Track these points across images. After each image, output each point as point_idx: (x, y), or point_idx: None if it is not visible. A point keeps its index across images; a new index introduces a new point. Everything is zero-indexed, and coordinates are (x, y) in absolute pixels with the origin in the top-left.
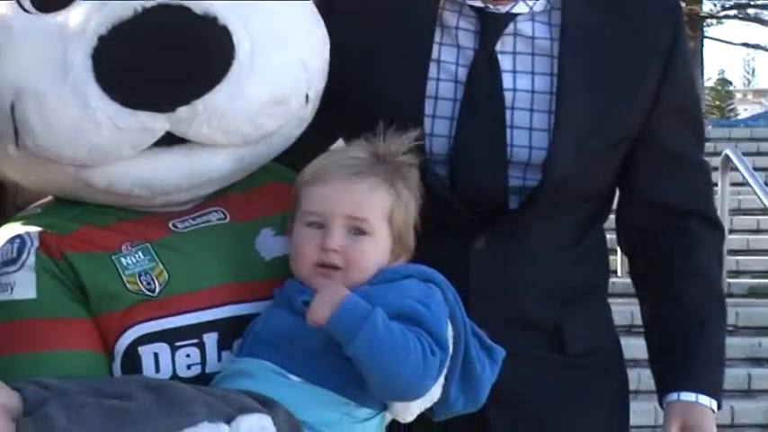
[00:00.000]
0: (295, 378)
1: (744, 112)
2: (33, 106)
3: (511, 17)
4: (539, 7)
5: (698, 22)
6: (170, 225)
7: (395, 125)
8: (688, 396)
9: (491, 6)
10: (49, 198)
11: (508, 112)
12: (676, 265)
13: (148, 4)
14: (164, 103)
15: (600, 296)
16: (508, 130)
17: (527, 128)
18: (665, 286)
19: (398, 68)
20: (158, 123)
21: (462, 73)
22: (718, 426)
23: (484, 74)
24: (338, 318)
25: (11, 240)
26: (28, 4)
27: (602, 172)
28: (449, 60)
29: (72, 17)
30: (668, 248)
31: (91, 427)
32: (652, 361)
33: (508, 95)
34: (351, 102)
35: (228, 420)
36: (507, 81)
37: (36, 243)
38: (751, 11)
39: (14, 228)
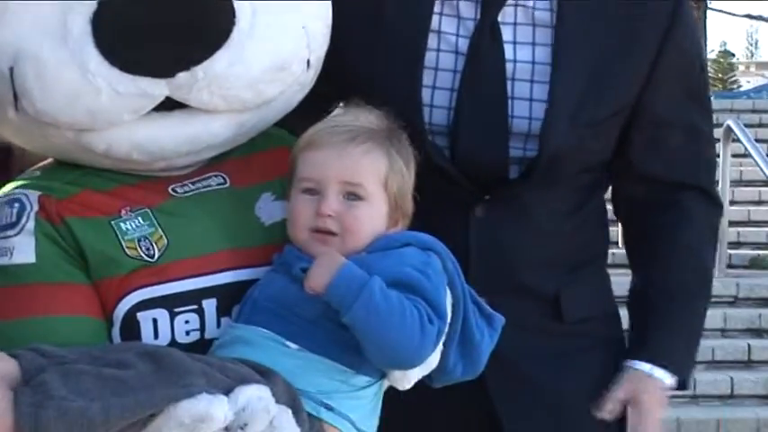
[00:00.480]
0: (293, 345)
1: (746, 84)
2: (32, 71)
3: None
4: None
5: None
6: (170, 190)
7: (392, 95)
8: (642, 366)
9: None
10: (50, 160)
11: (509, 84)
12: (663, 238)
13: None
14: (163, 69)
15: (599, 265)
16: (509, 102)
17: (527, 99)
18: (649, 259)
19: (397, 39)
20: (158, 89)
21: (463, 44)
22: (719, 396)
23: (485, 45)
24: (335, 285)
25: (10, 204)
26: None
27: (602, 142)
28: (449, 31)
29: None
30: (658, 221)
31: (88, 396)
32: (630, 330)
33: (509, 66)
34: (350, 72)
35: (227, 391)
36: (508, 52)
37: (35, 207)
38: None
39: (14, 191)
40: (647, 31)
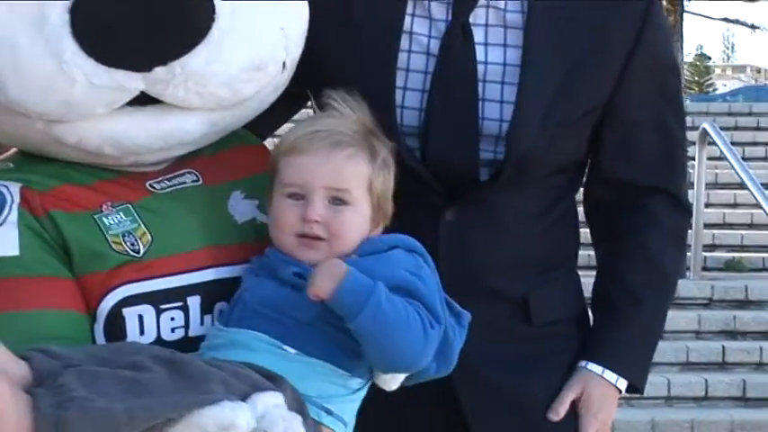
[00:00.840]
0: (291, 350)
1: (722, 87)
2: (7, 59)
3: None
4: None
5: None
6: (147, 185)
7: (365, 96)
8: (595, 368)
9: None
10: (13, 151)
11: (480, 85)
12: (627, 241)
13: None
14: (140, 63)
15: (569, 267)
16: (479, 103)
17: (498, 101)
18: (612, 260)
19: (369, 40)
20: (133, 83)
21: (434, 45)
22: (693, 398)
23: (456, 46)
24: (342, 293)
25: None
26: None
27: (573, 143)
28: (421, 32)
29: None
30: (623, 223)
31: (109, 397)
32: (594, 324)
33: (480, 68)
34: (321, 73)
35: (243, 398)
36: (479, 54)
37: (17, 199)
38: None
39: None
40: (618, 32)
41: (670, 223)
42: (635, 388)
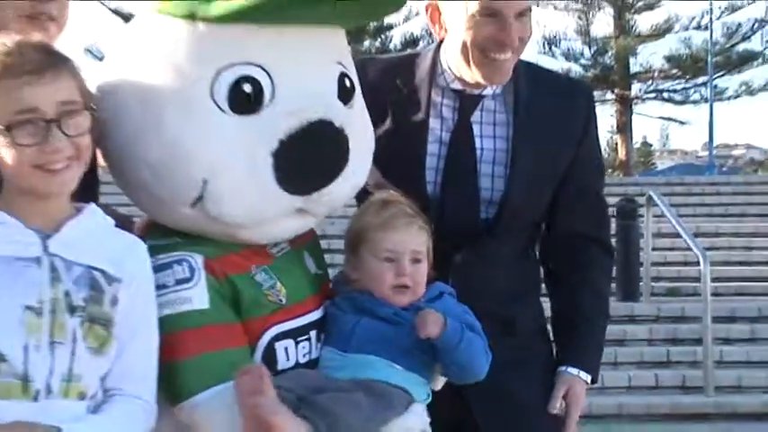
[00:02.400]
0: (398, 367)
1: (661, 165)
2: (227, 185)
3: (480, 97)
4: (498, 90)
5: (627, 102)
6: (268, 251)
7: (399, 176)
8: (573, 370)
9: (467, 90)
10: (149, 223)
11: (478, 165)
12: (575, 277)
13: (313, 118)
14: (308, 191)
15: (537, 293)
16: (478, 178)
17: (490, 175)
18: (565, 291)
19: (403, 137)
20: (299, 203)
21: (445, 136)
22: (647, 387)
23: (461, 138)
24: (446, 334)
25: (179, 263)
26: (225, 107)
27: (541, 205)
28: (436, 127)
29: (260, 123)
30: (570, 264)
31: (355, 413)
32: (555, 342)
33: (478, 153)
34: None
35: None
36: (477, 143)
37: (201, 266)
38: (665, 94)
39: (176, 253)
40: (572, 124)
41: (604, 263)
42: (593, 380)
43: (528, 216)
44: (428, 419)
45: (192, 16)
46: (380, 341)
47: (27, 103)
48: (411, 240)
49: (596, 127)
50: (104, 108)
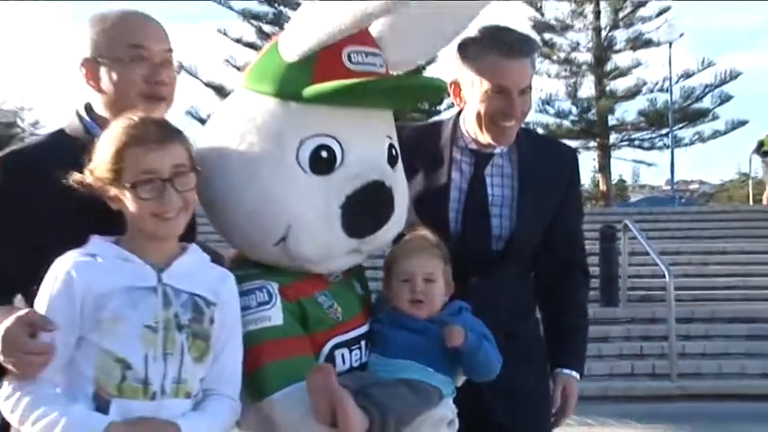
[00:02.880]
0: (430, 369)
1: (634, 197)
2: (305, 229)
3: (491, 156)
4: (504, 150)
5: (607, 148)
6: (326, 279)
7: (427, 216)
8: (567, 371)
9: (481, 149)
10: (237, 256)
11: (489, 209)
12: (562, 295)
13: (371, 179)
14: (364, 234)
15: (534, 307)
16: (490, 219)
17: (499, 216)
18: (555, 306)
19: (429, 184)
20: (355, 244)
21: (464, 186)
22: (625, 375)
23: (476, 187)
24: (469, 344)
25: (260, 289)
26: (307, 169)
27: (539, 239)
28: (456, 178)
29: (332, 182)
30: (558, 285)
31: (401, 404)
32: (548, 348)
33: (489, 199)
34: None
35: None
36: (489, 190)
37: (277, 291)
38: (636, 142)
39: (257, 281)
40: (562, 176)
41: (584, 283)
42: (581, 375)
43: (529, 248)
44: (456, 409)
45: (284, 95)
46: (415, 349)
47: (149, 166)
48: (422, 264)
49: (579, 180)
50: (208, 166)
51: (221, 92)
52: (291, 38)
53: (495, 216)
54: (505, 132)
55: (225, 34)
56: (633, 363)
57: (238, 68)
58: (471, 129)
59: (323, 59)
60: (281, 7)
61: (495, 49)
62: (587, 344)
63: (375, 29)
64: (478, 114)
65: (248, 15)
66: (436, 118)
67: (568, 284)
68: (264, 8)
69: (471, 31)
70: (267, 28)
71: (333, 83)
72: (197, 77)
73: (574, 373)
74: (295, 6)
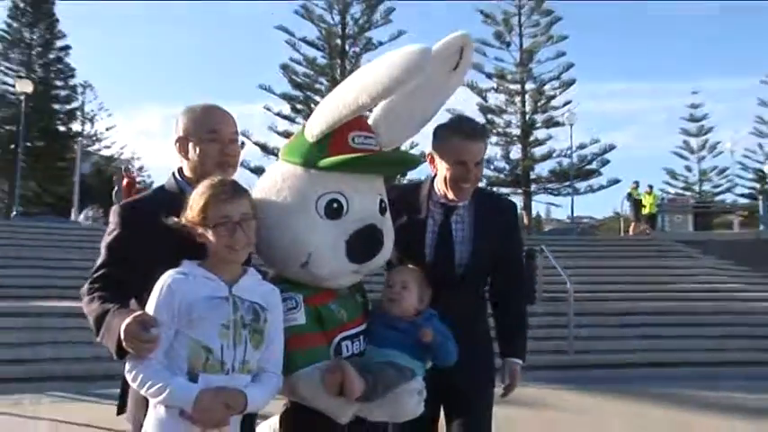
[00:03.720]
0: (407, 356)
1: (547, 228)
2: (321, 257)
3: (456, 207)
4: (466, 203)
5: (529, 194)
6: (336, 291)
7: (408, 252)
8: (514, 360)
9: (448, 203)
10: (273, 275)
11: (454, 245)
12: (509, 306)
13: (368, 223)
14: (361, 262)
15: (486, 314)
16: (454, 252)
17: (460, 250)
18: (502, 313)
19: (413, 230)
20: (355, 268)
21: (436, 229)
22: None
23: (445, 231)
24: (436, 340)
25: (289, 299)
26: (323, 215)
27: (489, 266)
28: (431, 223)
29: (341, 224)
30: (506, 295)
31: (388, 376)
32: (499, 343)
33: (454, 236)
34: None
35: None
36: (453, 232)
37: (301, 300)
38: (548, 190)
39: (287, 293)
40: (505, 222)
41: (522, 297)
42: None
43: (482, 272)
44: (424, 384)
45: (307, 164)
46: (398, 342)
47: (225, 213)
48: (401, 277)
49: (516, 222)
50: (260, 213)
51: (265, 149)
52: (312, 125)
53: (458, 251)
54: (464, 192)
55: (269, 109)
56: (545, 343)
57: (278, 133)
58: (441, 188)
59: (334, 140)
60: (308, 92)
61: (460, 133)
62: (526, 341)
63: (371, 119)
64: (445, 179)
65: (285, 97)
66: (417, 178)
67: (512, 296)
68: (296, 93)
69: (442, 118)
70: (299, 106)
71: (341, 157)
72: (249, 138)
73: (518, 361)
74: (317, 92)
